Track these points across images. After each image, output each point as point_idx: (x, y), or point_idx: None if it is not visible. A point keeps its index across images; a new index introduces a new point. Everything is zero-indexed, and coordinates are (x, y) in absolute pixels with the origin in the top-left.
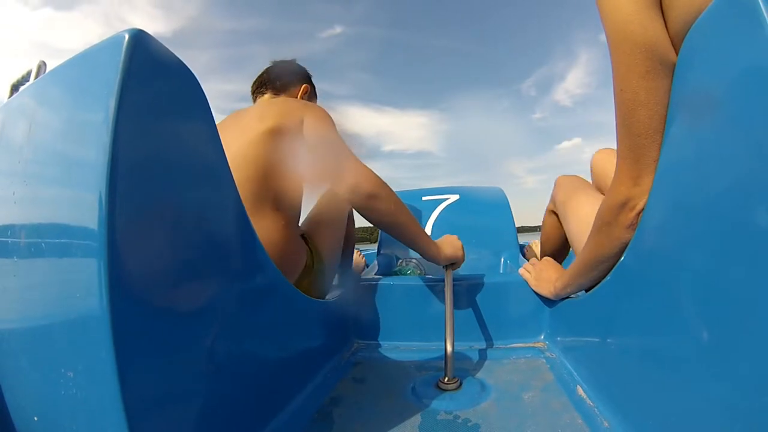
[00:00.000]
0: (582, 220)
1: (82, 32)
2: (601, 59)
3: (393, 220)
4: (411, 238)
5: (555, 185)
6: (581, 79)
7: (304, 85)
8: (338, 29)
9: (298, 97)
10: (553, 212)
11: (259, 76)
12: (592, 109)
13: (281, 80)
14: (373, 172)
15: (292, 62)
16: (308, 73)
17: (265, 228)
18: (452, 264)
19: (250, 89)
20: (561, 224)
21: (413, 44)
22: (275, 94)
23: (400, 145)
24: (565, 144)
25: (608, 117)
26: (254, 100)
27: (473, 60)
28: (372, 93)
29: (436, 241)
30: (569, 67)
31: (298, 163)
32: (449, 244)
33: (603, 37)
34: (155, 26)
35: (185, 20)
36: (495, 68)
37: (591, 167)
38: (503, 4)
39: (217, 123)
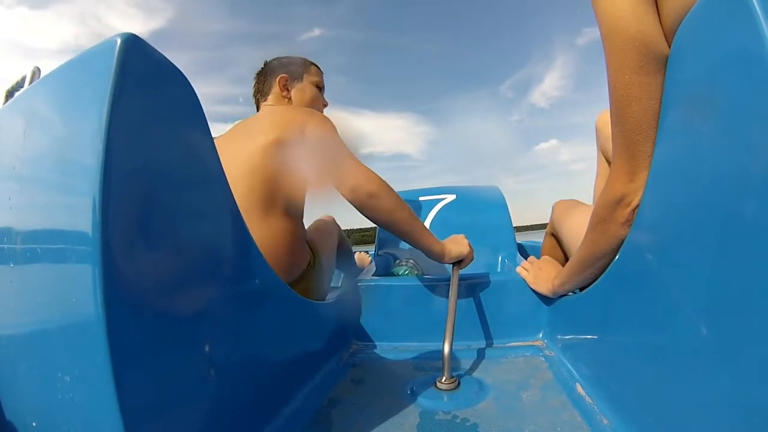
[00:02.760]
0: (575, 227)
1: (57, 31)
2: (578, 62)
3: (393, 218)
4: (412, 235)
5: (552, 210)
6: (558, 81)
7: (279, 77)
8: (317, 32)
9: (280, 90)
10: (552, 235)
11: (254, 84)
12: (569, 111)
13: (263, 85)
14: (372, 172)
15: (269, 63)
16: (284, 61)
17: (274, 229)
18: (459, 262)
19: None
20: (559, 246)
21: (391, 47)
22: (264, 98)
23: (377, 148)
24: (542, 145)
25: (584, 119)
26: (257, 107)
27: (451, 63)
28: (349, 96)
29: (442, 241)
30: (546, 69)
31: (301, 168)
32: (455, 243)
33: (580, 41)
34: (133, 26)
35: (164, 21)
36: (473, 71)
37: (596, 130)
38: (482, 7)
39: (224, 131)
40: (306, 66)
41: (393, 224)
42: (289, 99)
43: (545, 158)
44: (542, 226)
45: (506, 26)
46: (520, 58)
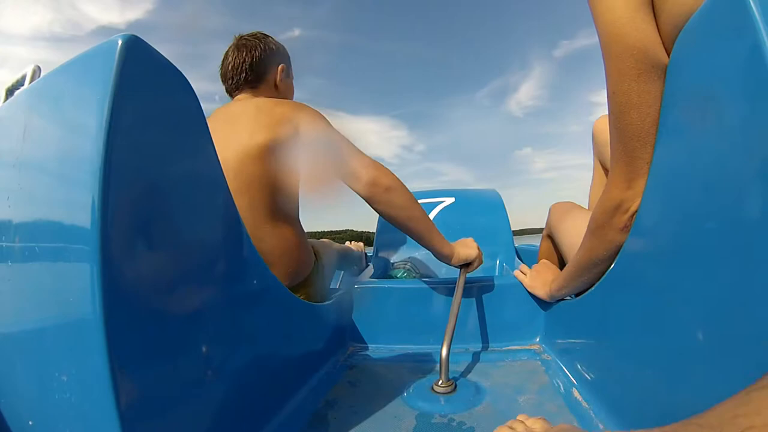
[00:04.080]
0: (573, 233)
1: (30, 16)
2: (554, 74)
3: (409, 214)
4: (425, 234)
5: (549, 212)
6: (533, 91)
7: (280, 66)
8: (296, 32)
9: (278, 79)
10: (548, 238)
11: (228, 64)
12: (543, 120)
13: (259, 67)
14: (384, 166)
15: (264, 39)
16: (277, 48)
17: (284, 237)
18: (467, 265)
19: (220, 78)
20: (555, 249)
21: (368, 51)
22: (254, 85)
23: None
24: (516, 153)
25: (559, 129)
26: (231, 95)
27: (428, 69)
28: (325, 97)
29: (451, 243)
30: (523, 79)
31: (303, 169)
32: (464, 245)
33: (557, 53)
34: (109, 16)
35: (142, 13)
36: (449, 78)
37: (593, 136)
38: (461, 16)
39: None
40: (289, 61)
41: (408, 220)
42: (279, 91)
43: (519, 166)
44: (517, 233)
45: (484, 36)
46: (498, 67)
